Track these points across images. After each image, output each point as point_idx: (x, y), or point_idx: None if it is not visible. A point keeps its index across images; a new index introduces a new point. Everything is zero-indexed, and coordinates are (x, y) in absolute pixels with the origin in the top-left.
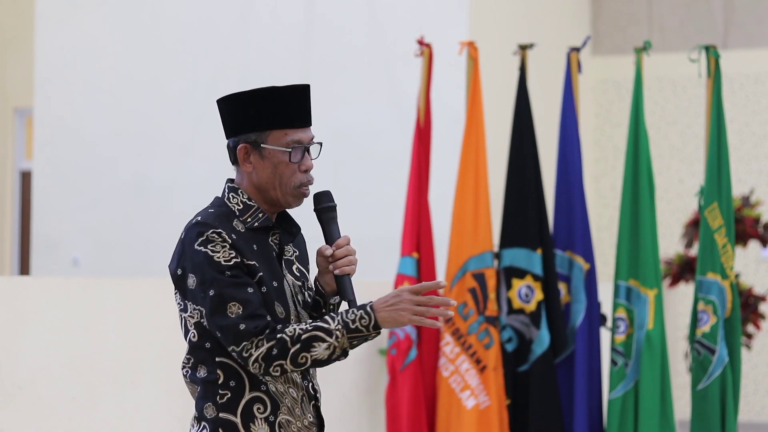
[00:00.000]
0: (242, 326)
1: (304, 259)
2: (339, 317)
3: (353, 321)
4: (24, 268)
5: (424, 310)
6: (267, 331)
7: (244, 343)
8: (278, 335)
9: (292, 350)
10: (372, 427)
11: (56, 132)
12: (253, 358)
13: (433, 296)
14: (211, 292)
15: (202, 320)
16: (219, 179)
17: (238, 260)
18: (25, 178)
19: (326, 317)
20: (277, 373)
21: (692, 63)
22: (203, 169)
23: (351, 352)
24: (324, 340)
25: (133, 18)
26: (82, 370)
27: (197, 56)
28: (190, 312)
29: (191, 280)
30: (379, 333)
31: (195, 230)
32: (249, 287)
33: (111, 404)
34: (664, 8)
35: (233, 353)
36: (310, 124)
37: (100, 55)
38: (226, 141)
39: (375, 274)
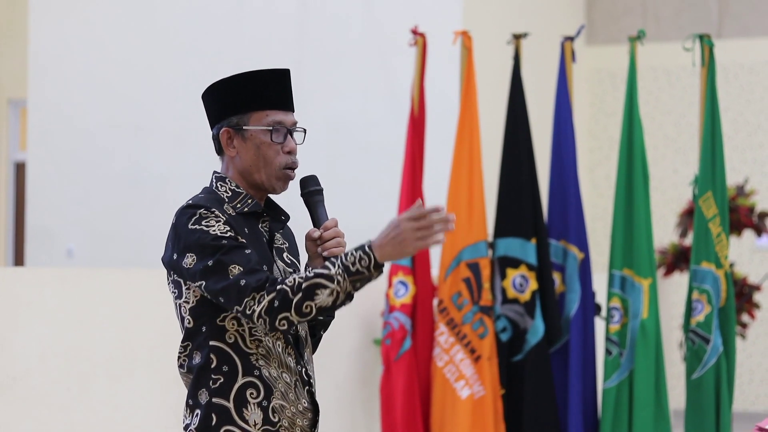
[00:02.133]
0: (242, 282)
1: (293, 250)
2: (339, 261)
3: (353, 264)
4: (18, 259)
5: (426, 233)
6: (267, 285)
7: (246, 299)
8: (278, 287)
9: (294, 300)
10: (366, 416)
11: (50, 123)
12: (256, 313)
13: (432, 216)
14: (210, 262)
15: (204, 294)
16: (213, 169)
17: (233, 233)
18: (20, 169)
19: (326, 263)
20: (284, 327)
21: (686, 52)
22: (198, 159)
23: (345, 342)
24: (326, 287)
25: (127, 9)
26: (77, 360)
27: (192, 47)
28: (186, 296)
29: (189, 259)
30: (381, 272)
31: (187, 213)
32: (246, 249)
33: (105, 395)
34: None
35: (239, 314)
36: (293, 110)
37: (95, 46)
38: (211, 132)
39: None
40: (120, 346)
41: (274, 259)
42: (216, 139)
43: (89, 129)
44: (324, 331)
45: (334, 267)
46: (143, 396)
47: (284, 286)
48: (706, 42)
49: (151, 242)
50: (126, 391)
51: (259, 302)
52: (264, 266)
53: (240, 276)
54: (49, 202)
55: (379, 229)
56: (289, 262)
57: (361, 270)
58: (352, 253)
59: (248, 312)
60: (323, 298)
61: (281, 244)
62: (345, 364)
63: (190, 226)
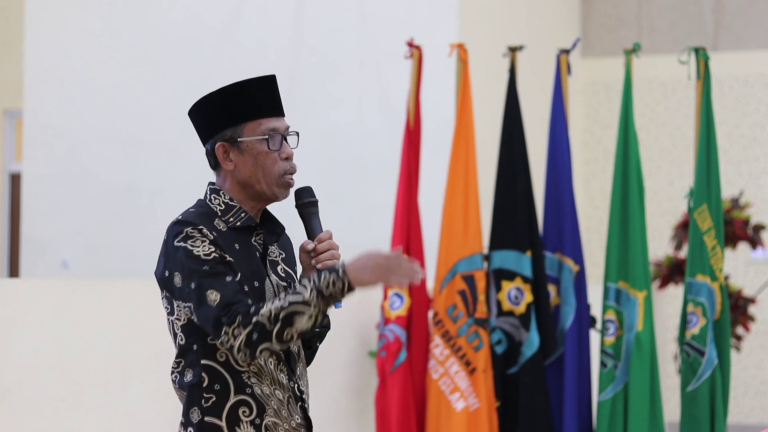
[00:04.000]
0: (218, 317)
1: (290, 261)
2: (312, 285)
3: (326, 287)
4: (13, 270)
5: (397, 274)
6: (239, 318)
7: (222, 336)
8: (254, 319)
9: (273, 331)
10: (361, 429)
11: (46, 134)
12: (235, 347)
13: (405, 263)
14: (193, 285)
15: (191, 316)
16: (207, 180)
17: (217, 255)
18: (15, 180)
19: (298, 287)
20: (267, 356)
21: (682, 65)
22: (193, 171)
23: (340, 355)
24: (303, 313)
25: (122, 20)
26: (72, 372)
27: (187, 58)
28: (177, 314)
29: (177, 278)
30: (353, 292)
31: (175, 229)
32: (227, 276)
33: (100, 406)
34: (653, 10)
35: (220, 346)
36: (284, 114)
37: (90, 57)
38: (204, 148)
39: None
40: (115, 357)
41: (268, 273)
42: (211, 154)
43: (85, 140)
44: (320, 342)
45: (308, 291)
46: (138, 407)
47: (259, 318)
48: (701, 55)
49: (146, 253)
50: (121, 402)
51: (236, 337)
52: (246, 287)
53: (216, 310)
54: (44, 213)
55: (373, 241)
56: (284, 275)
57: (335, 293)
58: (325, 276)
59: (227, 346)
60: (303, 323)
61: (276, 257)
62: (340, 376)
63: (175, 243)
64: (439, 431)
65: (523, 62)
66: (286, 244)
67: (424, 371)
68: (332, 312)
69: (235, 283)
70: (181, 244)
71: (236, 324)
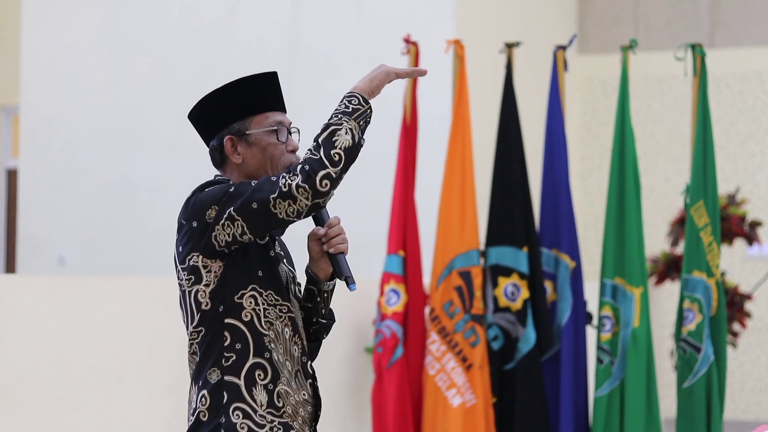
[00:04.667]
0: (272, 176)
1: (289, 261)
2: (332, 114)
3: (345, 107)
4: (10, 267)
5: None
6: (292, 169)
7: (280, 182)
8: (300, 163)
9: (322, 156)
10: (358, 425)
11: (42, 130)
12: (294, 183)
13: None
14: (231, 189)
15: (242, 237)
16: (205, 178)
17: None
18: (11, 176)
19: (324, 124)
20: (327, 187)
21: (678, 62)
22: (189, 167)
23: (337, 350)
24: (339, 127)
25: (119, 17)
26: (68, 369)
27: (184, 55)
28: (206, 280)
29: (211, 212)
30: (370, 106)
31: (204, 185)
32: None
33: (97, 403)
34: (650, 7)
35: (278, 198)
36: (286, 111)
37: (87, 54)
38: (208, 146)
39: (361, 272)
40: (111, 354)
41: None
42: (217, 149)
43: (81, 136)
44: (326, 335)
45: (332, 117)
46: (135, 404)
47: (304, 156)
48: (697, 51)
49: (143, 250)
50: (117, 399)
51: (293, 176)
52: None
53: (266, 176)
54: (40, 209)
55: (370, 237)
56: (287, 269)
57: (357, 107)
58: (337, 107)
59: (285, 189)
60: (344, 138)
61: (279, 251)
62: (337, 372)
63: (207, 190)
64: (435, 427)
65: (519, 59)
66: (284, 245)
67: (421, 367)
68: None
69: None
70: (215, 186)
71: (289, 170)
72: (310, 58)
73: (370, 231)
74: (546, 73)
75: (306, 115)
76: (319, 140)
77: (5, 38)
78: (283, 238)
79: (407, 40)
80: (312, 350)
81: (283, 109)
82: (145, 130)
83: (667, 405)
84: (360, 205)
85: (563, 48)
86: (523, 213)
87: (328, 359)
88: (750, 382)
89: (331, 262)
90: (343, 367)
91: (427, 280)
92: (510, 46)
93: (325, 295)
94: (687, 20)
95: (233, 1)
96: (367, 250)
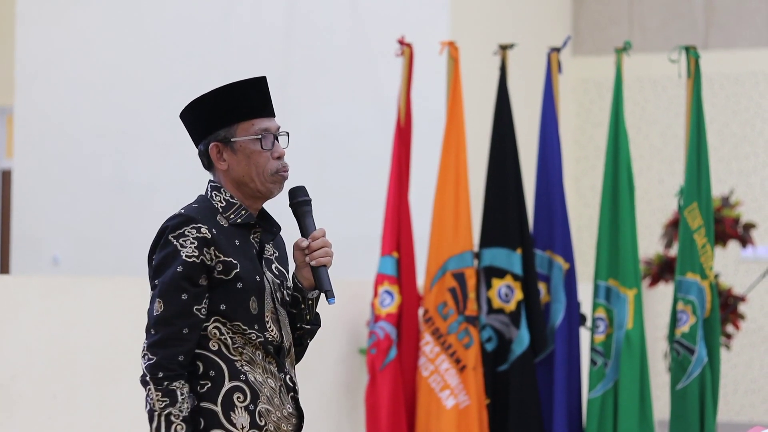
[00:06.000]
0: (147, 329)
1: (283, 260)
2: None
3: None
4: (4, 267)
5: None
6: (174, 367)
7: (146, 350)
8: (174, 383)
9: (164, 406)
10: (351, 426)
11: (37, 130)
12: (144, 363)
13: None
14: (157, 281)
15: None
16: (200, 178)
17: (198, 261)
18: (6, 176)
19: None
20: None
21: (672, 63)
22: (184, 167)
23: (331, 351)
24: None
25: (114, 16)
26: (63, 369)
27: (179, 55)
28: None
29: (156, 272)
30: None
31: (176, 220)
32: (184, 294)
33: (92, 403)
34: (644, 9)
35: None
36: (274, 115)
37: (82, 53)
38: (197, 149)
39: (355, 273)
40: (106, 353)
41: (263, 270)
42: (204, 155)
43: (76, 136)
44: (310, 340)
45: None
46: (129, 404)
47: (177, 389)
48: (692, 53)
49: (138, 250)
50: (112, 399)
51: (149, 362)
52: (248, 281)
53: (156, 320)
54: (35, 209)
55: (364, 238)
56: (278, 273)
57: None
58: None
59: (142, 353)
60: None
61: (270, 255)
62: (330, 374)
63: (170, 237)
64: (429, 428)
65: (513, 60)
66: (279, 243)
67: (415, 368)
68: (323, 308)
69: (189, 304)
70: (173, 240)
71: (156, 357)
72: (305, 58)
73: (364, 232)
74: (540, 75)
75: (300, 115)
76: (171, 415)
77: None
78: (283, 235)
79: (401, 42)
80: (297, 354)
81: (270, 114)
82: (140, 130)
83: (661, 407)
84: (354, 206)
85: (557, 49)
86: (517, 214)
87: (322, 360)
88: (743, 383)
89: (313, 275)
90: (336, 368)
91: (420, 281)
92: (504, 48)
93: (310, 302)
94: (681, 22)
95: (229, 0)
96: (361, 251)
